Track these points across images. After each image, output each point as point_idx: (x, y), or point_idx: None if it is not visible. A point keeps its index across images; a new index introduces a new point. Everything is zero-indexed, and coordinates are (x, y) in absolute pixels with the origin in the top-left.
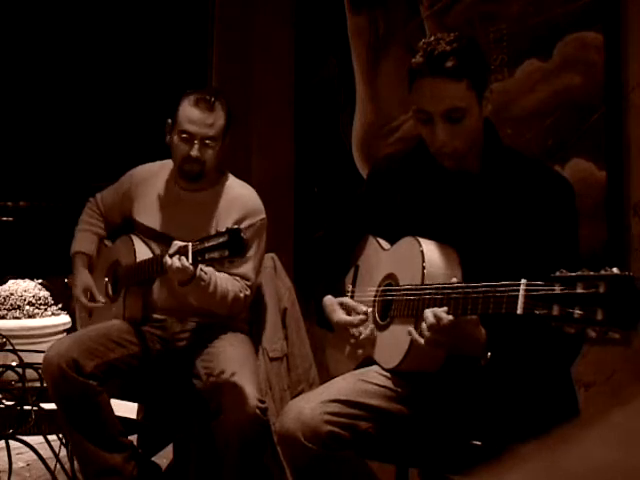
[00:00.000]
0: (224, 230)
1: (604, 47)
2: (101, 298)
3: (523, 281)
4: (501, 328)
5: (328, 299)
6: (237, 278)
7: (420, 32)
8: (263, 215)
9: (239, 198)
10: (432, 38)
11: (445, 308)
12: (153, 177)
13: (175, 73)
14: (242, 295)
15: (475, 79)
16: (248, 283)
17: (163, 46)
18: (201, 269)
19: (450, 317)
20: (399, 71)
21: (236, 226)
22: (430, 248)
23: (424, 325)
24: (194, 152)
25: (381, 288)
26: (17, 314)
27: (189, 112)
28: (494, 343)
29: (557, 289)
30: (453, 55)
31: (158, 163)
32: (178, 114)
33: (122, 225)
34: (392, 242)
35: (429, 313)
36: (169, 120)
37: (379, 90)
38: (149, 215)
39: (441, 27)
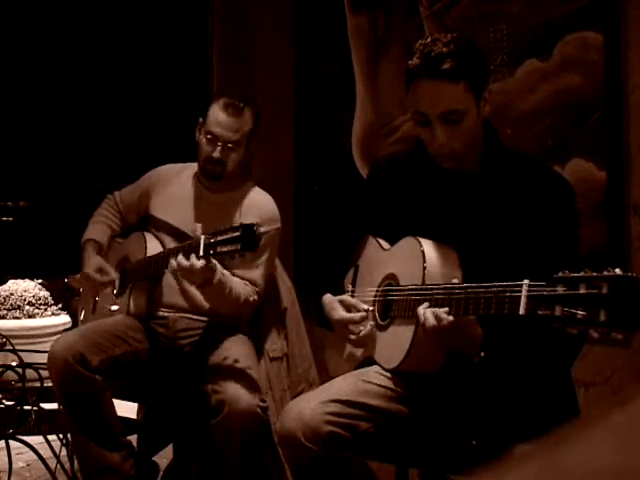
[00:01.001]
0: (237, 225)
1: (604, 47)
2: (114, 274)
3: (525, 282)
4: (496, 327)
5: (327, 297)
6: (247, 283)
7: (420, 32)
8: (279, 224)
9: (258, 204)
10: (429, 39)
11: (446, 309)
12: (174, 176)
13: (176, 73)
14: (251, 299)
15: (473, 80)
16: (257, 289)
17: (164, 47)
18: (222, 273)
19: (450, 318)
20: (399, 71)
21: (251, 222)
22: (431, 248)
23: (424, 325)
24: (216, 154)
25: (381, 288)
26: (17, 314)
27: (217, 115)
28: (488, 342)
29: (560, 290)
30: (450, 57)
31: (180, 164)
32: (207, 115)
33: (137, 225)
34: (392, 242)
35: (429, 314)
36: (200, 119)
37: (379, 90)
38: (166, 210)
39: (441, 27)
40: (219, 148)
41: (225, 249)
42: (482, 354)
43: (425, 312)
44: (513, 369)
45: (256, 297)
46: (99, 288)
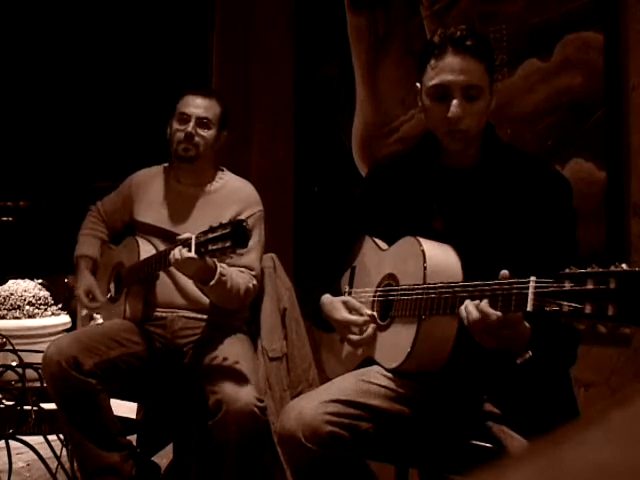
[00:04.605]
0: (227, 222)
1: (604, 47)
2: (102, 299)
3: (532, 278)
4: (545, 325)
5: (327, 297)
6: (242, 269)
7: (420, 32)
8: (261, 207)
9: (237, 191)
10: (442, 29)
11: (486, 301)
12: (152, 179)
13: (175, 73)
14: (251, 285)
15: (489, 66)
16: (253, 273)
17: (164, 46)
18: (221, 266)
19: (498, 313)
20: (399, 71)
21: (239, 218)
22: (431, 248)
23: (467, 320)
24: (189, 128)
25: (380, 288)
26: (17, 314)
27: (187, 99)
28: (537, 341)
29: (567, 286)
30: (473, 38)
31: (156, 167)
32: (177, 105)
33: (124, 231)
34: (390, 242)
35: (472, 307)
36: (171, 120)
37: (379, 90)
38: (150, 213)
39: (441, 27)
40: (192, 123)
41: (216, 247)
42: (529, 354)
43: (466, 304)
44: (548, 368)
45: (255, 282)
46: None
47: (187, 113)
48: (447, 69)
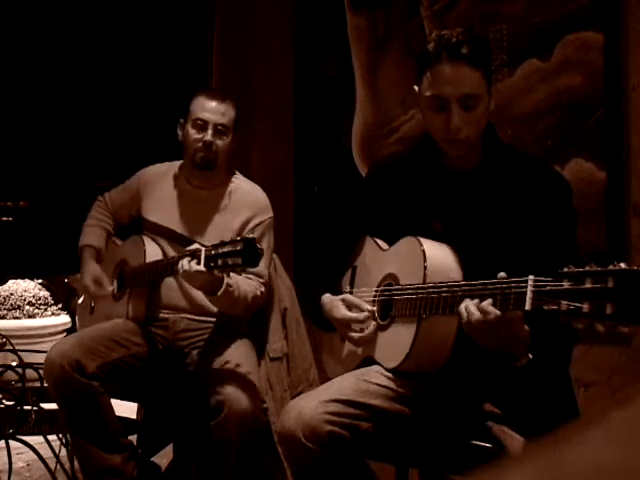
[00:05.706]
0: (239, 238)
1: (604, 47)
2: (109, 287)
3: (531, 277)
4: (545, 327)
5: (327, 297)
6: (250, 277)
7: (420, 32)
8: (271, 214)
9: (248, 197)
10: (443, 31)
11: (490, 300)
12: (162, 177)
13: (175, 73)
14: (259, 293)
15: (486, 70)
16: (261, 280)
17: (164, 46)
18: (229, 277)
19: (497, 312)
20: (399, 71)
21: (251, 235)
22: (431, 247)
23: (470, 320)
24: (208, 137)
25: (381, 288)
26: (17, 314)
27: (203, 102)
28: (537, 343)
29: (565, 285)
30: (469, 43)
31: (167, 164)
32: (191, 107)
33: (130, 225)
34: (391, 242)
35: (472, 307)
36: (181, 120)
37: (379, 91)
38: (158, 213)
39: (441, 27)
40: (210, 131)
41: (226, 262)
42: (529, 356)
43: (467, 305)
44: (547, 369)
45: (263, 289)
46: (96, 297)
47: (204, 119)
48: (443, 80)
